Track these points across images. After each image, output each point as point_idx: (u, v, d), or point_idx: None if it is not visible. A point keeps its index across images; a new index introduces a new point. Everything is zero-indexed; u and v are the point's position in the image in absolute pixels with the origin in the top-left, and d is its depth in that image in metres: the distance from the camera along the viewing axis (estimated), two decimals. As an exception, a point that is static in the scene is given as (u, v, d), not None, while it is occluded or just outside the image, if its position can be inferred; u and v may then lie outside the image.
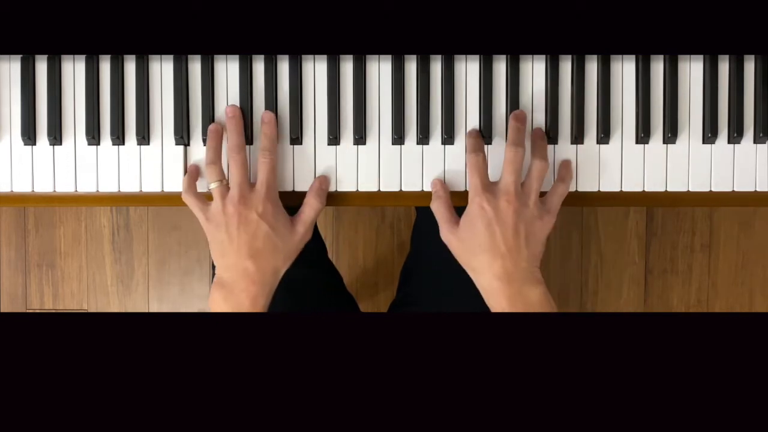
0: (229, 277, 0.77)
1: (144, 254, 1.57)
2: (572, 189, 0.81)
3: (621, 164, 0.81)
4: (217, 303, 0.78)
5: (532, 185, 0.76)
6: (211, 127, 0.79)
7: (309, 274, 1.00)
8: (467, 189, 0.79)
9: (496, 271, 0.75)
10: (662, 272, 1.56)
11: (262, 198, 0.76)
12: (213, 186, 0.77)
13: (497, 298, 0.75)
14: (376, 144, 0.81)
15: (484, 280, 0.76)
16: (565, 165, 0.80)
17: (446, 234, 0.78)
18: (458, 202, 0.80)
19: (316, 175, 0.80)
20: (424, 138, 0.80)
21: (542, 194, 0.78)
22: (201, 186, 0.80)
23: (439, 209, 0.79)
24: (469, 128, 0.80)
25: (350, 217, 1.56)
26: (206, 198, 0.79)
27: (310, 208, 0.79)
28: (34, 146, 0.80)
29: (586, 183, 0.81)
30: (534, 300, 0.75)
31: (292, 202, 0.80)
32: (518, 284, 0.75)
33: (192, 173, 0.80)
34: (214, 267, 1.04)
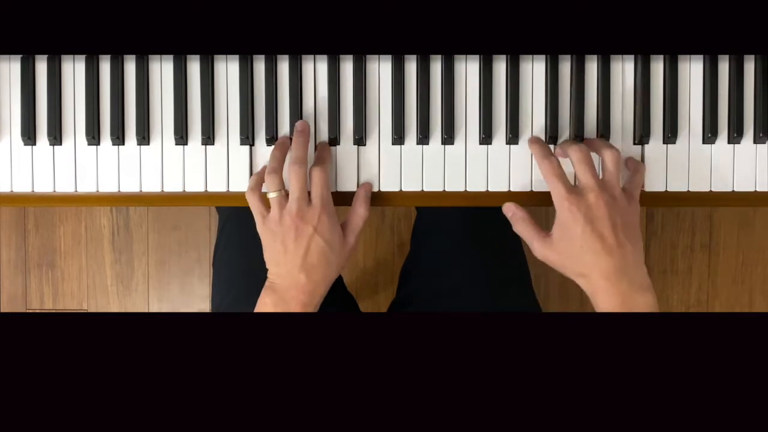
0: (281, 284, 0.77)
1: (144, 254, 1.57)
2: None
3: (621, 164, 0.81)
4: (266, 307, 0.78)
5: (613, 174, 0.74)
6: (280, 138, 0.79)
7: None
8: (467, 189, 0.79)
9: (604, 269, 0.72)
10: (662, 272, 1.56)
11: (318, 212, 0.76)
12: (272, 195, 0.77)
13: (607, 297, 0.72)
14: (376, 144, 0.81)
15: (593, 280, 0.73)
16: (633, 160, 0.80)
17: (541, 251, 0.76)
18: (459, 202, 0.80)
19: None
20: (424, 138, 0.80)
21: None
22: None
23: (525, 229, 0.77)
24: (470, 128, 0.80)
25: (350, 217, 1.56)
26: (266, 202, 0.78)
27: (359, 218, 0.79)
28: (34, 146, 0.80)
29: (586, 183, 0.81)
30: (640, 307, 0.72)
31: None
32: (627, 286, 0.72)
33: (261, 174, 0.79)
34: (214, 266, 1.04)
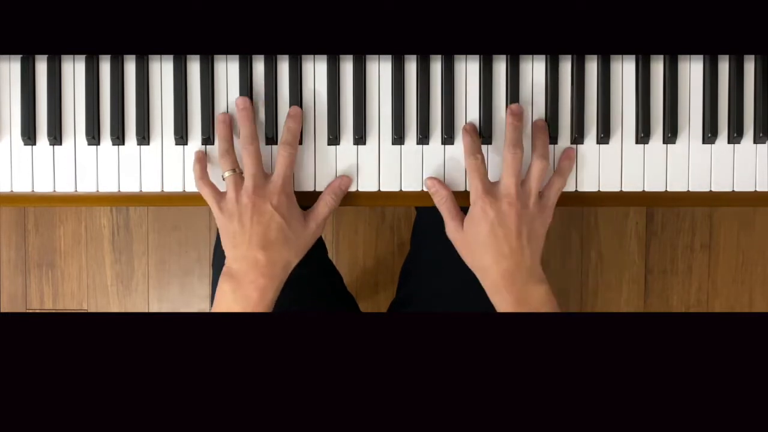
0: (238, 268, 0.76)
1: (144, 254, 1.57)
2: (572, 189, 0.81)
3: (621, 164, 0.81)
4: (225, 295, 0.77)
5: (532, 185, 0.77)
6: (220, 116, 0.79)
7: (309, 274, 1.00)
8: (468, 189, 0.79)
9: (501, 272, 0.75)
10: (662, 272, 1.56)
11: (278, 189, 0.76)
12: (227, 175, 0.77)
13: (502, 297, 0.76)
14: (376, 144, 0.81)
15: (489, 279, 0.77)
16: (566, 156, 0.80)
17: (452, 232, 0.79)
18: (460, 202, 0.80)
19: (317, 174, 0.80)
20: (424, 138, 0.80)
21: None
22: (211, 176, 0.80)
23: (443, 206, 0.79)
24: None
25: (350, 217, 1.56)
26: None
27: (324, 205, 0.79)
28: (34, 146, 0.80)
29: (586, 183, 0.81)
30: (537, 299, 0.76)
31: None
32: (522, 284, 0.76)
33: (200, 159, 0.79)
34: (214, 266, 1.04)
